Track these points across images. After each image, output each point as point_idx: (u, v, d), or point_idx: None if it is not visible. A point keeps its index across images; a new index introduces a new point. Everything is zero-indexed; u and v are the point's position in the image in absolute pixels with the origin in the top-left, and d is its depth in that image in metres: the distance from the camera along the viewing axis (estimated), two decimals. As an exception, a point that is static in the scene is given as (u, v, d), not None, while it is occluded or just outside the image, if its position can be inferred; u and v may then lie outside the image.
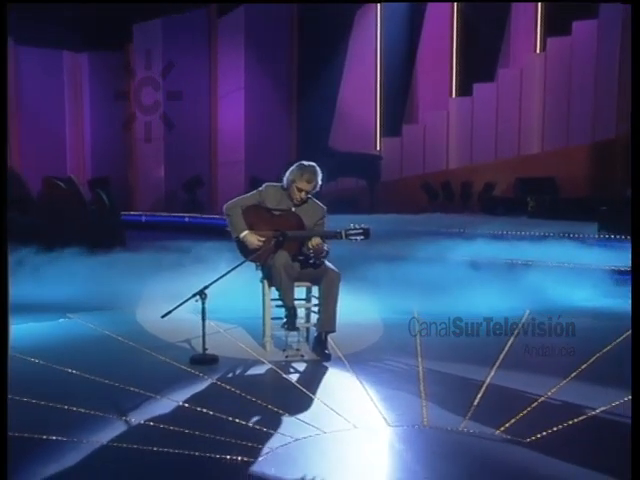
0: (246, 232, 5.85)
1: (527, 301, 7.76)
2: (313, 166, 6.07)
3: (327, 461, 3.89)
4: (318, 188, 6.08)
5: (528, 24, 16.83)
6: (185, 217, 13.48)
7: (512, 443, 4.13)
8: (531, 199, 14.44)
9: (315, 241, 5.71)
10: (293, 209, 5.99)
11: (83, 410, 4.49)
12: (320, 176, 6.10)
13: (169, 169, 16.98)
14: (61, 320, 7.15)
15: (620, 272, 9.11)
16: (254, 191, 6.16)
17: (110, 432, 4.17)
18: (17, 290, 8.16)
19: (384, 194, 17.28)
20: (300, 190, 5.92)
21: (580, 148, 15.90)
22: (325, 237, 5.86)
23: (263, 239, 5.81)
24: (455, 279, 9.08)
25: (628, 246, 10.79)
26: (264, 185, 6.19)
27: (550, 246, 10.64)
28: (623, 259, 9.64)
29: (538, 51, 16.77)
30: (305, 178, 5.92)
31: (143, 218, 14.58)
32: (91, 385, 5.09)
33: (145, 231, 13.67)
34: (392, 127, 18.34)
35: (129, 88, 17.68)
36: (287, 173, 6.07)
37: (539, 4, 16.59)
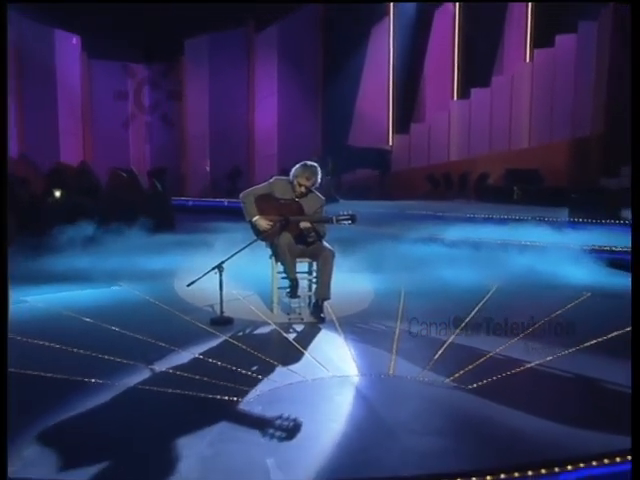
0: (257, 217, 6.02)
1: (499, 273, 7.80)
2: (314, 166, 6.14)
3: (304, 402, 4.10)
4: (317, 184, 6.14)
5: (519, 38, 16.68)
6: (224, 201, 13.77)
7: (457, 389, 4.31)
8: (517, 188, 14.43)
9: (304, 224, 5.86)
10: (296, 199, 6.08)
11: (118, 359, 4.77)
12: (319, 175, 6.14)
13: (214, 161, 17.21)
14: (113, 287, 7.32)
15: (583, 249, 9.05)
16: (265, 183, 6.28)
17: (137, 377, 4.45)
18: (83, 263, 8.58)
19: (394, 183, 17.31)
20: (301, 185, 6.03)
21: (561, 144, 15.74)
22: (319, 222, 5.97)
23: (271, 223, 5.96)
24: (443, 255, 9.20)
25: (594, 228, 10.83)
26: (274, 178, 6.32)
27: (526, 228, 10.56)
28: (586, 239, 9.61)
29: (527, 61, 16.62)
30: (305, 175, 6.03)
31: (190, 203, 14.82)
32: (127, 339, 5.33)
33: (192, 214, 13.71)
34: (402, 125, 18.33)
35: (182, 93, 17.81)
36: (293, 169, 6.15)
37: (529, 20, 16.43)
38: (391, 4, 18.11)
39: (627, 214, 11.26)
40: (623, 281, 7.59)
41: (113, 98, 17.15)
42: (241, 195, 6.23)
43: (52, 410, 3.90)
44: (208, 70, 17.24)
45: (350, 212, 6.01)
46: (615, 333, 5.47)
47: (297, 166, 6.16)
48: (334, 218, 5.92)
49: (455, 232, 10.52)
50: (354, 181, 17.59)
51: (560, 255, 8.94)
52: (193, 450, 3.40)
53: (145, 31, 15.82)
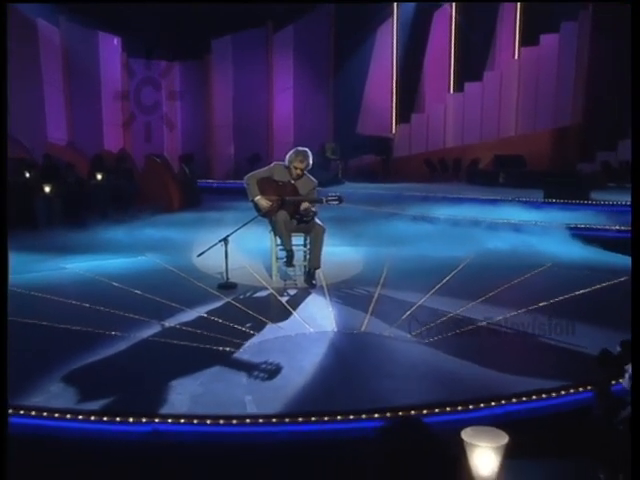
0: (258, 197, 6.09)
1: (475, 246, 7.78)
2: (305, 151, 6.20)
3: (286, 353, 4.35)
4: (310, 167, 6.20)
5: (508, 37, 16.51)
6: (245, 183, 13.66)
7: (415, 343, 4.53)
8: (502, 172, 14.44)
9: (304, 205, 5.98)
10: (292, 181, 6.15)
11: (136, 316, 5.07)
12: (310, 158, 6.19)
13: (237, 147, 17.32)
14: (140, 257, 7.46)
15: (551, 226, 9.06)
16: (266, 167, 6.35)
17: (150, 331, 4.75)
18: (117, 236, 8.80)
19: (396, 167, 17.20)
20: (296, 168, 6.10)
21: (544, 132, 15.68)
22: (312, 202, 6.06)
23: (270, 202, 6.04)
24: (429, 231, 9.12)
25: (564, 207, 10.77)
26: (273, 163, 6.38)
27: (504, 207, 10.47)
28: (556, 217, 9.59)
29: (515, 58, 16.49)
30: (299, 159, 6.10)
31: (214, 184, 14.96)
32: (145, 300, 5.58)
33: (216, 194, 13.82)
34: (404, 115, 18.24)
35: (210, 87, 17.82)
36: (287, 155, 6.22)
37: (517, 21, 16.29)
38: (394, 7, 18.02)
39: (595, 195, 11.33)
40: (582, 253, 7.73)
41: (149, 92, 17.30)
42: (245, 177, 6.30)
43: (78, 356, 4.23)
44: (232, 66, 17.27)
45: (337, 194, 6.14)
46: (561, 297, 5.64)
47: (291, 152, 6.25)
48: (324, 199, 6.02)
49: (443, 211, 10.48)
50: (360, 165, 17.64)
51: (530, 231, 8.92)
52: (187, 388, 3.72)
53: (177, 32, 15.95)
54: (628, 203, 10.74)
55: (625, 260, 7.37)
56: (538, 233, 8.84)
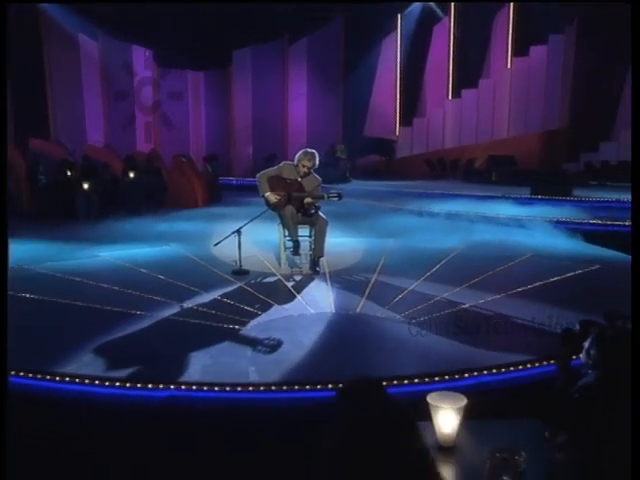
0: (268, 193, 6.14)
1: (465, 238, 7.78)
2: (313, 152, 6.26)
3: (288, 331, 4.45)
4: (316, 166, 6.24)
5: (501, 48, 16.39)
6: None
7: (403, 323, 4.60)
8: (494, 171, 14.41)
9: (307, 200, 6.05)
10: (299, 179, 6.20)
11: (158, 298, 5.19)
12: (317, 159, 6.25)
13: (255, 148, 17.34)
14: (164, 247, 7.56)
15: (536, 220, 9.04)
16: (276, 166, 6.40)
17: (170, 311, 4.88)
18: (146, 228, 8.90)
19: (398, 167, 17.18)
20: (304, 166, 6.15)
21: (533, 135, 15.55)
22: (315, 198, 6.13)
23: (278, 197, 6.10)
24: (425, 224, 9.17)
25: (549, 203, 10.77)
26: (282, 163, 6.44)
27: (494, 203, 10.53)
28: (541, 211, 9.66)
29: (508, 67, 16.38)
30: (307, 158, 6.16)
31: (234, 181, 15.03)
32: (167, 284, 5.70)
33: (236, 191, 13.83)
34: (406, 119, 18.21)
35: (231, 94, 17.81)
36: (297, 155, 6.27)
37: (510, 33, 16.18)
38: (398, 21, 17.97)
39: (578, 192, 11.30)
40: (563, 244, 7.74)
41: (176, 98, 17.38)
42: (257, 175, 6.35)
43: (107, 331, 4.39)
44: (251, 75, 17.28)
45: (337, 191, 6.23)
46: (537, 283, 5.70)
47: (300, 152, 6.30)
48: (325, 195, 6.09)
49: (439, 206, 10.48)
50: (366, 165, 17.64)
51: (516, 224, 8.91)
52: (199, 360, 3.86)
53: (202, 44, 16.02)
54: (607, 199, 10.75)
55: (600, 251, 7.43)
56: (524, 226, 8.84)
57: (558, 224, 8.87)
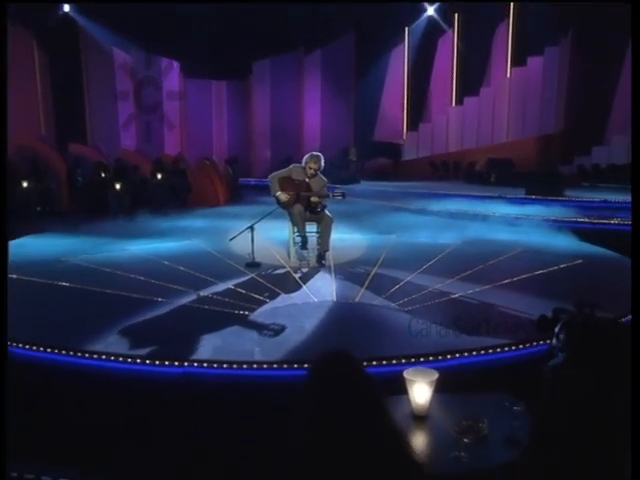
0: (279, 192, 6.25)
1: (463, 235, 7.80)
2: (319, 155, 6.33)
3: (292, 316, 4.56)
4: (322, 168, 6.31)
5: (501, 59, 16.33)
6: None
7: (397, 310, 4.68)
8: (494, 173, 14.36)
9: (313, 199, 6.13)
10: (307, 180, 6.26)
11: (177, 287, 5.32)
12: (322, 161, 6.31)
13: (273, 151, 17.42)
14: (186, 241, 7.69)
15: (529, 218, 9.03)
16: (286, 168, 6.45)
17: (187, 298, 5.01)
18: (171, 224, 9.06)
19: (405, 169, 17.14)
20: (310, 168, 6.22)
21: (530, 139, 15.51)
22: (321, 197, 6.20)
23: (288, 196, 6.19)
24: (426, 221, 9.15)
25: (542, 203, 10.75)
26: (292, 165, 6.49)
27: (491, 202, 10.50)
28: (534, 210, 9.62)
29: (507, 76, 16.31)
30: (313, 161, 6.23)
31: (252, 182, 15.08)
32: (185, 274, 5.81)
33: (255, 190, 13.56)
34: (413, 125, 18.21)
35: (251, 101, 17.91)
36: (304, 158, 6.34)
37: (509, 45, 16.11)
38: (406, 34, 17.95)
39: (570, 193, 11.25)
40: (551, 241, 7.74)
41: (202, 106, 17.56)
42: (269, 176, 6.44)
43: (132, 315, 4.55)
44: (269, 84, 17.40)
45: (342, 191, 6.33)
46: (524, 275, 5.76)
47: (307, 155, 6.39)
48: (330, 194, 6.19)
49: (440, 205, 10.50)
50: (374, 167, 17.65)
51: (510, 222, 8.91)
52: (211, 341, 4.00)
53: (225, 56, 16.17)
54: (596, 199, 10.69)
55: (587, 247, 7.42)
56: (517, 224, 8.82)
57: (549, 222, 8.87)
